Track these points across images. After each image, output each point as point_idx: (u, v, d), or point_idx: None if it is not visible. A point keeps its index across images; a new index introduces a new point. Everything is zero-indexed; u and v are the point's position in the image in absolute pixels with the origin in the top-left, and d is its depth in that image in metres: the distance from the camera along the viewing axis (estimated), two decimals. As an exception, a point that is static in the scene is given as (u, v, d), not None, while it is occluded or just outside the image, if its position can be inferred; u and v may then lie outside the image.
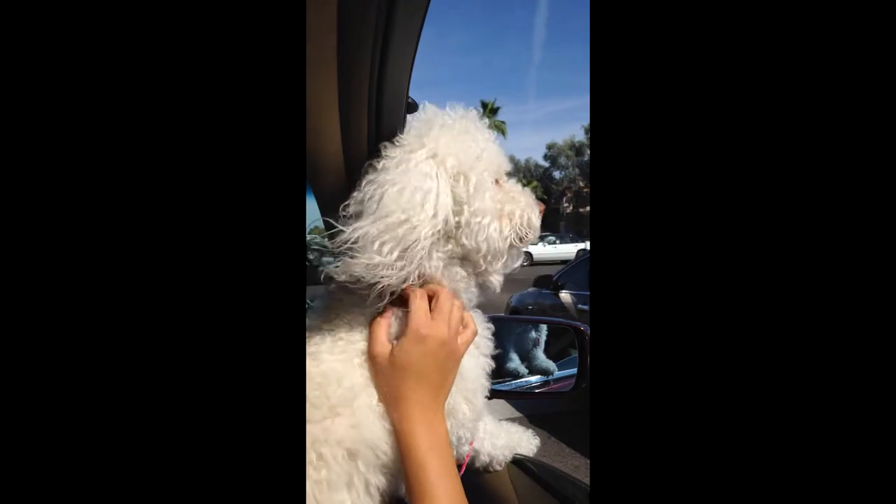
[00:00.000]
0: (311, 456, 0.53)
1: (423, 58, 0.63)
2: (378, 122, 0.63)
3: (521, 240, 0.66)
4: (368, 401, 0.56)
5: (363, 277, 0.55)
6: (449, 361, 0.58)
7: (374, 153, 0.64)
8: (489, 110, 32.65)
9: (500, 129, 32.41)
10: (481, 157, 0.61)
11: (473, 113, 0.67)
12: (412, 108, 0.73)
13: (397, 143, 0.62)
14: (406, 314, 0.59)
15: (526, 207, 0.65)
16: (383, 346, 0.57)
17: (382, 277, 0.54)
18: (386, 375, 0.56)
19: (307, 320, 0.63)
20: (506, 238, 0.63)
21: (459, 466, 0.64)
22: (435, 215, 0.56)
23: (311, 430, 0.53)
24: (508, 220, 0.64)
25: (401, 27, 0.60)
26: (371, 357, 0.58)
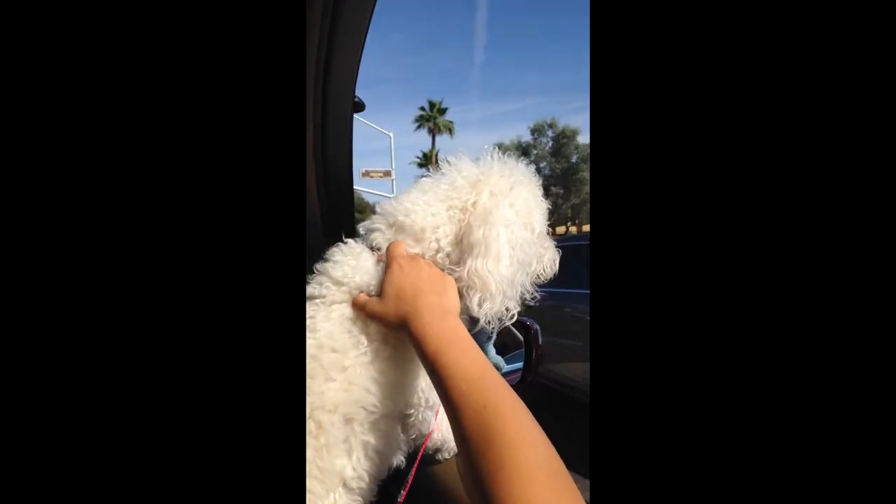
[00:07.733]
0: (309, 425, 0.54)
1: (366, 54, 0.64)
2: (324, 122, 0.62)
3: None
4: (357, 358, 0.57)
5: None
6: (433, 272, 0.58)
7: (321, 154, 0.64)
8: (437, 110, 32.75)
9: (448, 128, 32.57)
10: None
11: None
12: (359, 107, 0.73)
13: None
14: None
15: None
16: (368, 297, 0.58)
17: None
18: (387, 313, 0.56)
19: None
20: None
21: (418, 451, 0.65)
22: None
23: (309, 399, 0.54)
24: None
25: (346, 22, 0.60)
26: (362, 307, 0.58)
